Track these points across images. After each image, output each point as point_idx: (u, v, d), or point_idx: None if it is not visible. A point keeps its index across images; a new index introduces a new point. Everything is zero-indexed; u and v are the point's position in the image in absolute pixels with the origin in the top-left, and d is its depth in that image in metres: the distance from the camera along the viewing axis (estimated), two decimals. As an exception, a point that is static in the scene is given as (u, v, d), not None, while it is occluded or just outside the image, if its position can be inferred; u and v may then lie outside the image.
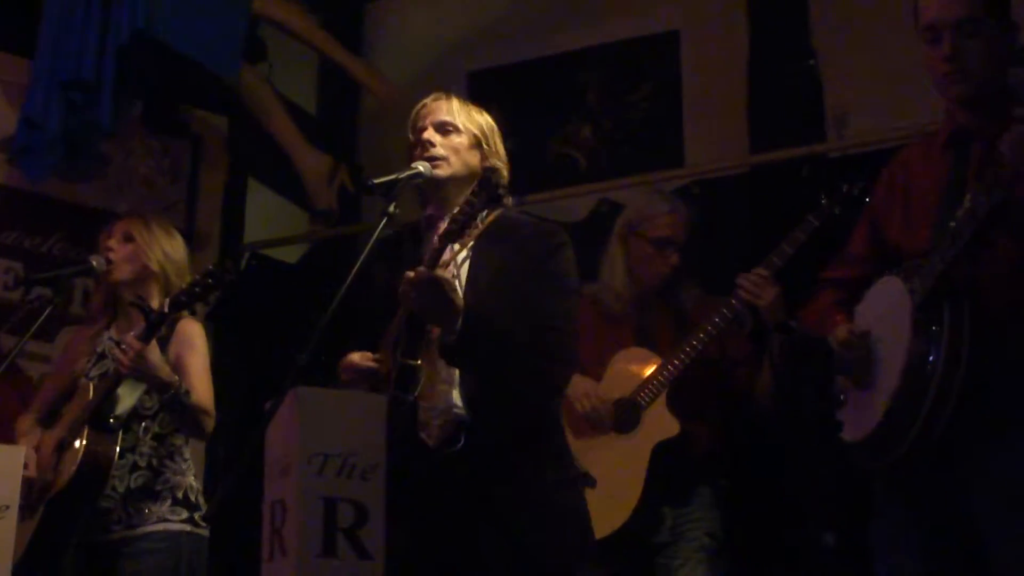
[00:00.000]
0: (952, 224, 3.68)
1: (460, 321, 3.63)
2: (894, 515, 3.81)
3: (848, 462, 3.96)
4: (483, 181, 3.78)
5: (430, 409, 3.83)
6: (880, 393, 3.80)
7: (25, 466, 4.68)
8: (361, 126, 8.58)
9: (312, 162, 7.75)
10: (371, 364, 3.83)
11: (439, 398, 3.84)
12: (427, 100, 4.19)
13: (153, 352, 4.70)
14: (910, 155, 4.17)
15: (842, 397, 4.06)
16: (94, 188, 7.24)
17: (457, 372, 3.84)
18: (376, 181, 3.94)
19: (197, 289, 4.69)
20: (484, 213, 3.96)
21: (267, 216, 8.21)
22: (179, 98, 7.67)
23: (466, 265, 3.97)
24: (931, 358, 3.66)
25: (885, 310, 3.89)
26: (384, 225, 3.83)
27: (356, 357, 3.87)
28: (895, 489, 3.82)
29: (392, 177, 3.93)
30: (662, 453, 5.11)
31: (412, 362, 3.75)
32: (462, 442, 3.80)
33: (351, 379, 3.86)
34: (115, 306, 5.21)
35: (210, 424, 4.93)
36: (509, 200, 4.13)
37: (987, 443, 3.70)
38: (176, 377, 4.77)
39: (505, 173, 4.16)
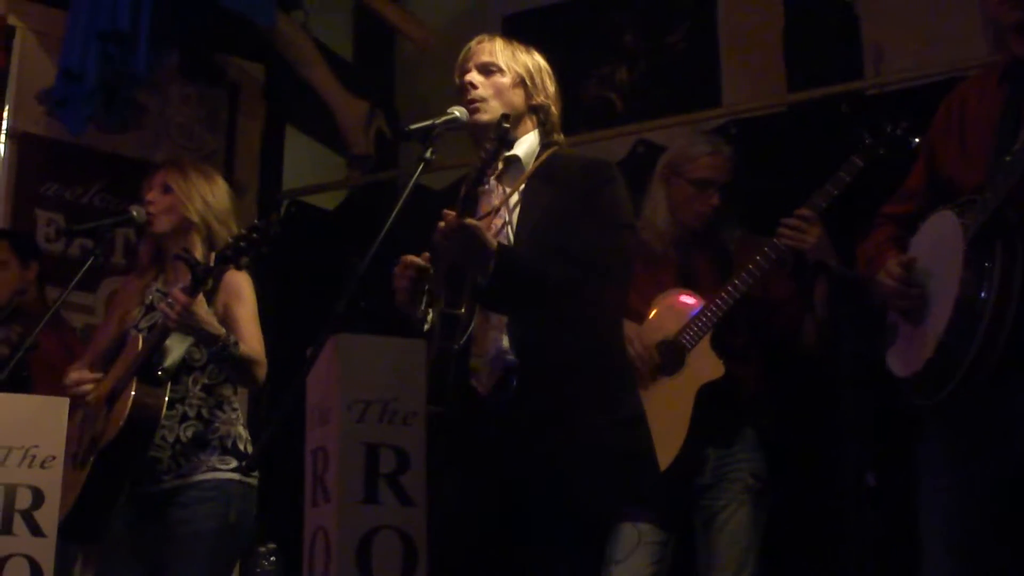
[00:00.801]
0: (1007, 158, 3.65)
1: (492, 263, 3.62)
2: (934, 458, 3.80)
3: (887, 403, 3.95)
4: (497, 124, 3.81)
5: (480, 356, 3.87)
6: (932, 328, 3.76)
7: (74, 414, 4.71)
8: (397, 71, 8.60)
9: (349, 108, 7.75)
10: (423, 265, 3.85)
11: (489, 344, 3.87)
12: (471, 43, 4.20)
13: (200, 306, 4.69)
14: (968, 89, 4.12)
15: (893, 331, 4.03)
16: (132, 138, 7.27)
17: (505, 318, 3.86)
18: (413, 127, 3.96)
19: (242, 244, 4.66)
20: (537, 152, 4.03)
21: (305, 163, 8.23)
22: (215, 46, 7.69)
23: (518, 208, 3.98)
24: (983, 295, 3.62)
25: (937, 244, 3.85)
26: (421, 171, 3.83)
27: (411, 259, 3.87)
28: (943, 423, 3.80)
29: (428, 123, 3.94)
30: (707, 395, 5.12)
31: (455, 311, 3.75)
32: (513, 388, 3.82)
33: (404, 282, 3.89)
34: (162, 257, 5.21)
35: (262, 373, 4.93)
36: (561, 137, 4.17)
37: None
38: (223, 329, 4.77)
39: (555, 111, 4.17)
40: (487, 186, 4.01)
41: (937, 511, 3.85)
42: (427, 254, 3.85)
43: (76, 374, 5.02)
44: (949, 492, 3.81)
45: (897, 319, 3.96)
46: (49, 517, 4.27)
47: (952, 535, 3.80)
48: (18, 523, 4.22)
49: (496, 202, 4.01)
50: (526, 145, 4.08)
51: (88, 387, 4.92)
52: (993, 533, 3.77)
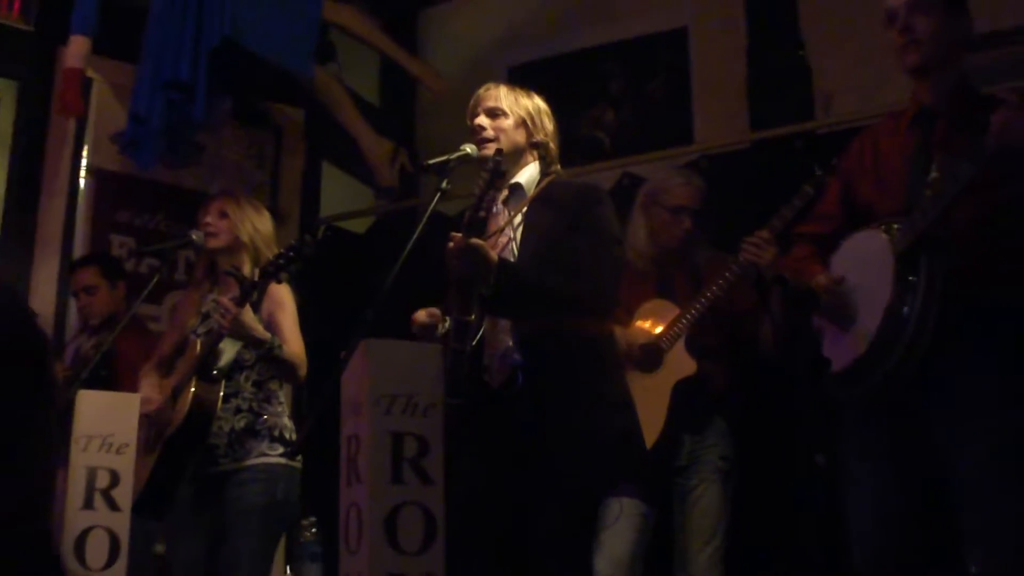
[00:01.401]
0: (928, 192, 3.73)
1: (494, 276, 3.68)
2: (855, 443, 3.82)
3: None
4: (490, 159, 3.92)
5: (491, 355, 3.90)
6: (860, 331, 3.81)
7: (143, 408, 4.76)
8: (418, 115, 8.60)
9: (376, 147, 7.76)
10: (434, 319, 3.94)
11: (499, 345, 3.91)
12: (480, 90, 4.24)
13: (247, 314, 4.75)
14: (878, 130, 4.21)
15: (819, 333, 4.08)
16: (191, 173, 7.29)
17: (510, 322, 3.91)
18: (430, 162, 4.07)
19: (282, 261, 4.75)
20: (538, 180, 4.09)
21: (339, 194, 8.24)
22: (262, 94, 7.70)
23: (520, 229, 4.01)
24: (907, 306, 3.69)
25: (864, 259, 3.89)
26: (438, 199, 3.91)
27: (422, 314, 3.97)
28: (863, 419, 3.82)
29: (444, 158, 4.03)
30: (681, 389, 5.14)
31: (466, 318, 3.79)
32: (520, 382, 3.85)
33: (419, 332, 3.97)
34: (214, 272, 5.25)
35: (303, 372, 4.98)
36: (558, 168, 4.23)
37: (953, 379, 3.71)
38: (269, 334, 4.82)
39: (552, 146, 4.22)
40: (496, 210, 4.10)
41: (857, 496, 3.87)
42: (434, 310, 3.99)
43: (146, 381, 5.06)
44: (869, 478, 3.84)
45: (823, 323, 4.00)
46: (124, 495, 4.31)
47: (869, 517, 3.85)
48: (98, 500, 4.27)
49: (503, 223, 4.06)
50: (528, 175, 4.13)
51: (151, 408, 4.94)
52: (905, 517, 3.83)
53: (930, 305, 3.67)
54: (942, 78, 3.97)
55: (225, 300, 4.80)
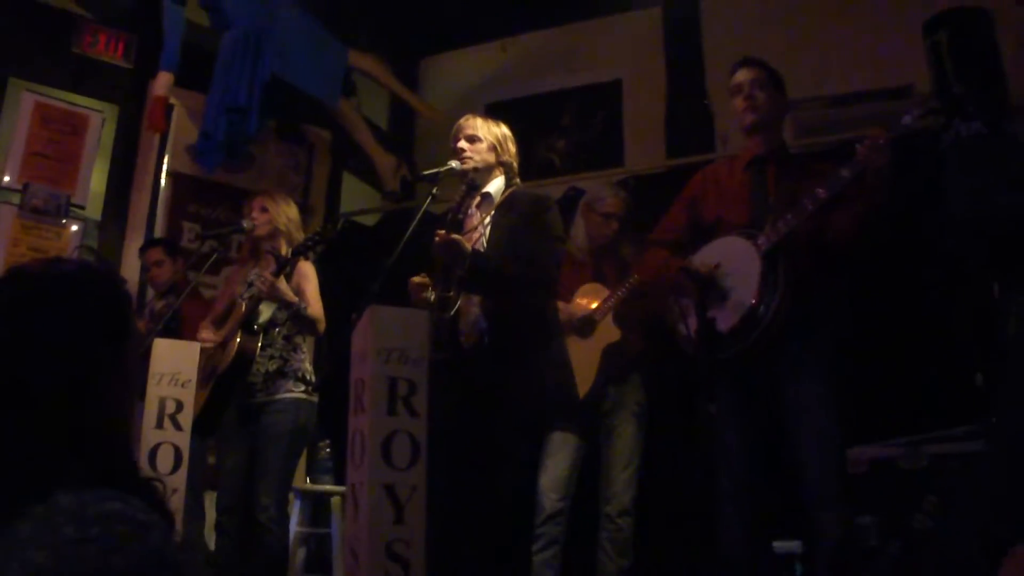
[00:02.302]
0: (792, 209, 3.87)
1: (467, 262, 3.78)
2: (726, 399, 3.86)
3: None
4: (467, 175, 4.12)
5: (465, 322, 3.94)
6: (734, 308, 3.86)
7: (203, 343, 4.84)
8: (416, 137, 8.61)
9: (384, 160, 7.77)
10: (424, 282, 3.96)
11: (471, 314, 3.94)
12: (461, 120, 4.28)
13: (282, 283, 4.83)
14: (717, 169, 4.38)
15: (679, 314, 4.11)
16: (245, 176, 7.26)
17: (480, 298, 3.95)
18: (425, 173, 4.15)
19: (310, 242, 4.85)
20: (503, 190, 4.16)
21: (355, 195, 8.22)
22: (300, 118, 7.67)
23: (489, 228, 4.07)
24: (771, 292, 3.82)
25: (730, 254, 3.96)
26: (429, 201, 3.99)
27: (416, 279, 3.98)
28: (728, 380, 3.84)
29: (435, 170, 4.09)
30: (609, 351, 5.15)
31: (447, 294, 3.89)
32: (485, 343, 3.89)
33: (413, 291, 3.99)
34: (257, 252, 5.24)
35: (322, 328, 5.00)
36: (518, 181, 4.28)
37: (791, 348, 3.83)
38: (297, 299, 4.86)
39: (515, 164, 4.27)
40: (471, 212, 4.16)
41: (724, 444, 3.91)
42: (425, 275, 3.98)
43: (203, 335, 5.07)
44: (733, 431, 3.88)
45: (689, 303, 4.01)
46: (186, 418, 4.32)
47: (733, 463, 3.87)
48: (167, 422, 4.27)
49: (475, 223, 4.10)
50: (495, 186, 4.18)
51: (209, 345, 4.98)
52: (761, 462, 3.91)
53: (784, 301, 3.80)
54: (770, 136, 4.19)
55: (265, 272, 4.83)
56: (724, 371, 3.90)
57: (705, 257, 4.01)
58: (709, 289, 3.89)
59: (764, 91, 4.16)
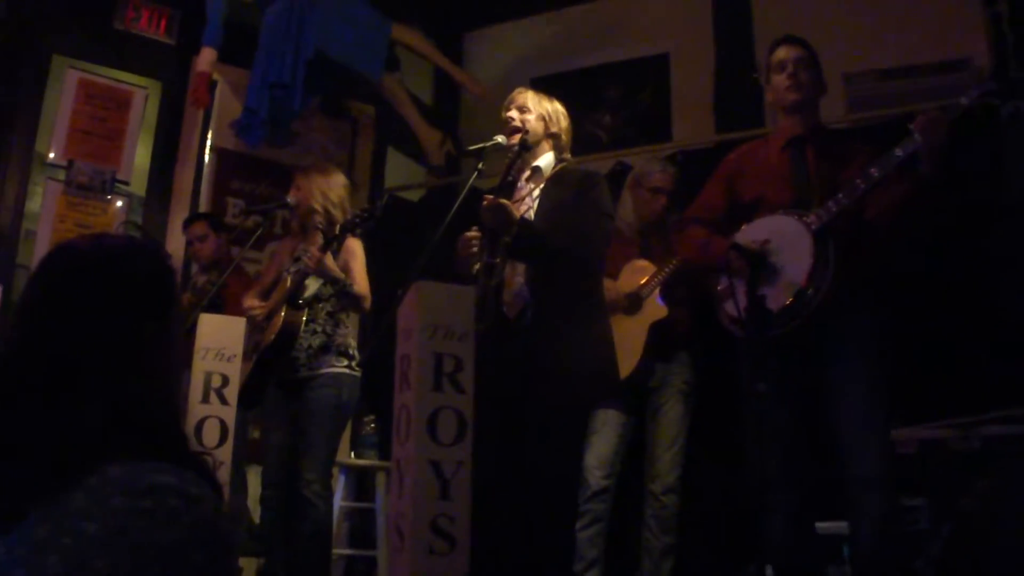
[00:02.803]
0: (845, 188, 3.86)
1: (515, 229, 3.76)
2: (773, 378, 3.84)
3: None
4: (515, 147, 4.10)
5: (509, 292, 3.96)
6: (785, 286, 3.84)
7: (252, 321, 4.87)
8: (461, 112, 8.57)
9: (429, 135, 7.74)
10: (476, 237, 3.99)
11: (515, 285, 3.96)
12: (513, 92, 4.30)
13: (328, 259, 4.86)
14: (752, 148, 4.37)
15: (724, 294, 4.10)
16: (288, 152, 7.29)
17: (524, 267, 3.97)
18: (470, 148, 4.16)
19: (357, 220, 4.91)
20: (554, 165, 4.16)
21: (399, 171, 8.22)
22: (343, 93, 7.68)
23: (538, 201, 4.06)
24: (823, 271, 3.82)
25: (775, 233, 3.94)
26: (475, 176, 3.98)
27: (469, 233, 4.01)
28: (775, 359, 3.81)
29: (480, 145, 4.09)
30: (656, 328, 5.13)
31: (493, 260, 3.91)
32: (528, 316, 3.90)
33: (462, 245, 4.03)
34: (305, 227, 5.26)
35: (367, 305, 5.04)
36: (568, 155, 4.29)
37: (835, 329, 3.85)
38: (343, 275, 4.89)
39: (565, 138, 4.26)
40: (520, 185, 4.16)
41: (773, 423, 3.89)
42: (478, 231, 3.96)
43: (249, 302, 5.11)
44: (781, 410, 3.87)
45: (738, 282, 3.93)
46: (232, 393, 4.35)
47: (781, 443, 3.87)
48: (212, 396, 4.30)
49: (524, 195, 4.10)
50: (545, 160, 4.18)
51: (256, 312, 5.01)
52: (808, 442, 3.92)
53: (833, 279, 3.80)
54: (808, 116, 4.17)
55: (313, 248, 4.86)
56: (772, 349, 3.89)
57: (752, 235, 3.99)
58: (760, 267, 3.87)
59: (807, 71, 4.16)
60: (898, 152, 3.75)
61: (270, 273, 5.38)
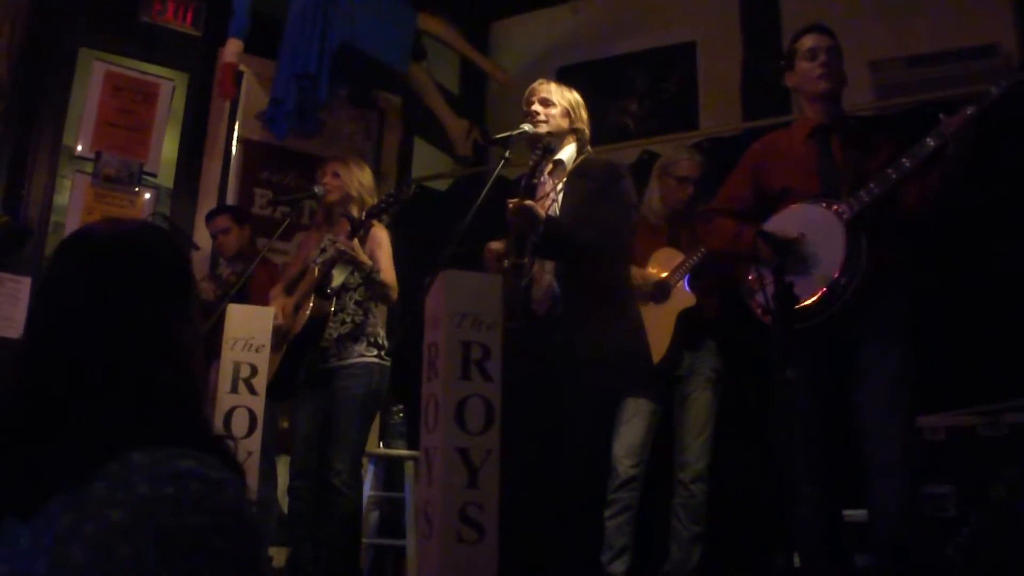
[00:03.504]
0: (876, 178, 3.85)
1: (542, 228, 3.78)
2: (801, 366, 3.81)
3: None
4: (543, 139, 4.11)
5: (538, 289, 3.97)
6: (819, 277, 3.84)
7: (275, 318, 4.78)
8: (488, 101, 8.57)
9: (455, 125, 7.76)
10: (500, 248, 4.02)
11: (544, 281, 3.97)
12: (535, 83, 4.29)
13: (356, 245, 4.84)
14: (775, 138, 4.33)
15: (755, 284, 4.10)
16: (316, 142, 7.30)
17: (553, 264, 3.98)
18: (497, 136, 4.17)
19: (383, 205, 4.92)
20: (575, 157, 4.17)
21: (426, 160, 8.22)
22: (370, 83, 7.68)
23: (561, 194, 4.07)
24: (857, 261, 3.81)
25: (807, 225, 3.92)
26: (502, 165, 3.98)
27: (494, 244, 4.05)
28: (804, 348, 3.78)
29: (507, 134, 4.10)
30: (684, 316, 5.14)
31: (521, 261, 3.93)
32: (559, 310, 3.93)
33: (488, 256, 4.07)
34: (331, 217, 5.28)
35: (394, 294, 5.05)
36: (590, 148, 4.28)
37: (866, 317, 3.84)
38: (371, 262, 4.89)
39: (586, 131, 4.26)
40: (543, 180, 4.16)
41: (800, 412, 3.87)
42: (502, 242, 4.02)
43: (275, 297, 5.19)
44: (809, 399, 3.85)
45: (764, 272, 3.96)
46: (260, 383, 4.37)
47: (809, 431, 3.85)
48: (241, 386, 4.33)
49: (548, 190, 4.12)
50: (568, 153, 4.20)
51: (279, 322, 4.96)
52: (826, 412, 3.91)
53: (867, 264, 3.78)
54: (833, 105, 4.16)
55: (342, 236, 4.90)
56: (801, 338, 3.88)
57: (781, 225, 3.98)
58: (789, 256, 3.85)
59: (839, 60, 4.15)
60: (929, 141, 3.75)
61: (296, 264, 5.41)
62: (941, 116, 3.74)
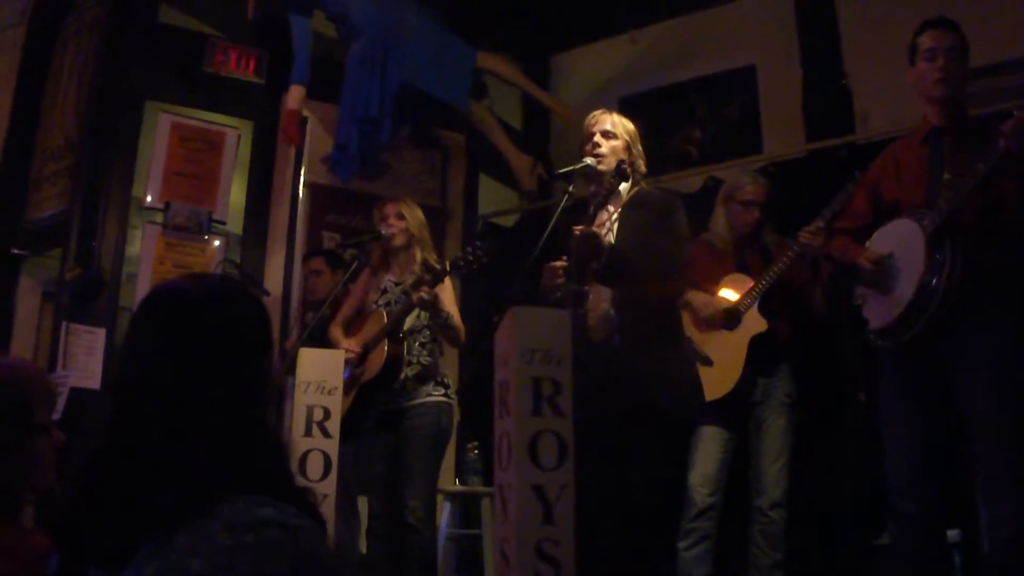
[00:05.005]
0: (952, 186, 3.76)
1: (604, 256, 3.85)
2: (893, 385, 3.76)
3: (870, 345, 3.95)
4: (616, 168, 4.11)
5: (595, 317, 3.96)
6: (900, 295, 3.79)
7: (346, 361, 4.84)
8: (552, 135, 8.60)
9: (519, 161, 7.79)
10: (560, 266, 3.99)
11: (600, 310, 3.97)
12: (596, 113, 4.34)
13: (437, 294, 4.91)
14: (896, 147, 4.20)
15: (860, 301, 4.05)
16: (381, 183, 7.36)
17: (611, 292, 3.98)
18: (561, 171, 4.29)
19: (468, 259, 4.86)
20: (629, 188, 4.19)
21: (492, 196, 8.28)
22: (432, 123, 7.74)
23: (616, 224, 4.10)
24: (935, 279, 3.70)
25: (900, 240, 3.86)
26: (566, 200, 4.02)
27: (556, 263, 4.01)
28: (896, 365, 3.74)
29: (570, 168, 4.16)
30: (756, 342, 5.10)
31: (582, 288, 3.95)
32: (616, 339, 3.91)
33: (549, 278, 4.01)
34: (388, 259, 5.38)
35: (462, 336, 5.11)
36: (644, 181, 4.31)
37: (968, 334, 3.70)
38: (446, 308, 4.96)
39: (642, 163, 4.29)
40: (590, 211, 4.20)
41: (894, 432, 3.82)
42: (564, 259, 3.99)
43: (344, 343, 5.21)
44: (903, 421, 3.78)
45: (866, 291, 3.95)
46: (334, 425, 4.38)
47: (904, 453, 3.77)
48: (315, 429, 4.34)
49: (604, 220, 4.15)
50: (624, 184, 4.21)
51: (351, 355, 5.08)
52: (930, 447, 3.80)
53: (952, 279, 3.68)
54: (953, 106, 3.98)
55: (424, 287, 4.90)
56: (892, 358, 3.84)
57: (877, 243, 3.99)
58: (878, 278, 3.85)
59: (959, 62, 3.95)
60: (1001, 143, 3.62)
61: (351, 303, 5.48)
62: (1001, 127, 3.65)
